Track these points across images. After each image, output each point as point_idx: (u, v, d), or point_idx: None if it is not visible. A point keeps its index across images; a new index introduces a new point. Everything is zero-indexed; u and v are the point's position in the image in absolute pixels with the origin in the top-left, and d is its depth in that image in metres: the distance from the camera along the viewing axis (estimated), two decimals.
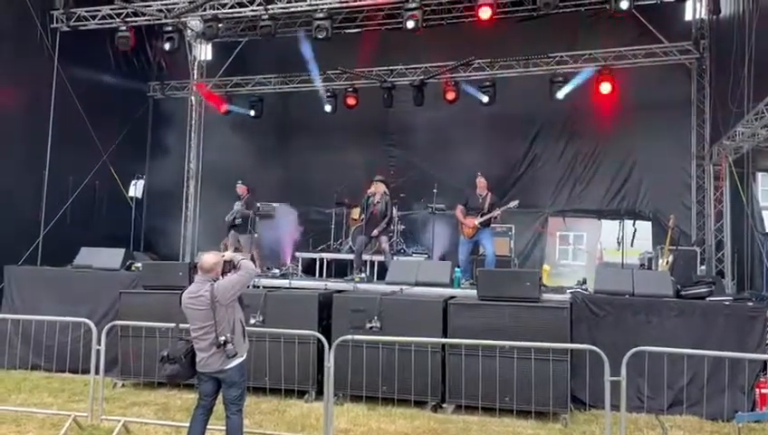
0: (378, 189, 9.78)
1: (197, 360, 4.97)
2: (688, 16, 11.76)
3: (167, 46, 10.92)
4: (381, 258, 10.17)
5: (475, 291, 7.58)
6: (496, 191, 10.06)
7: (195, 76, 14.50)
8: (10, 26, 10.36)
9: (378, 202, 9.72)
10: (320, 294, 7.77)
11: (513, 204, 9.80)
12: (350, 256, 10.62)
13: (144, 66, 13.50)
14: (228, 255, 5.16)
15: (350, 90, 12.88)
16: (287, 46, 12.50)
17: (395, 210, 10.95)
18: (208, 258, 5.05)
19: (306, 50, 12.14)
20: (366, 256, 10.33)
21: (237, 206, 10.85)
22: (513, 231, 11.17)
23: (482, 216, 9.41)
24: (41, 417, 6.54)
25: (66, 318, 7.72)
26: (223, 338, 4.82)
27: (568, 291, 7.97)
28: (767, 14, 8.11)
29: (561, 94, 11.53)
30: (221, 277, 5.01)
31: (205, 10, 10.53)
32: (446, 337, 7.01)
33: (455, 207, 9.87)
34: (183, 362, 5.00)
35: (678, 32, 11.52)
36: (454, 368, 6.96)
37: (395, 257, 10.22)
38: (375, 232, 9.64)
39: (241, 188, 11.03)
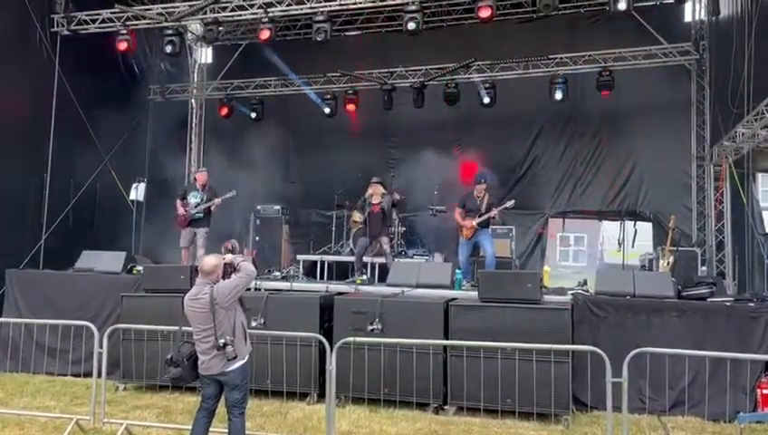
0: (375, 191, 9.79)
1: (199, 363, 4.98)
2: (688, 17, 11.83)
3: (167, 49, 10.92)
4: (382, 260, 10.19)
5: (476, 292, 7.57)
6: (497, 193, 10.07)
7: (195, 79, 14.55)
8: (10, 30, 10.35)
9: (379, 202, 9.71)
10: (321, 296, 7.78)
11: (510, 203, 9.82)
12: (352, 259, 10.63)
13: (144, 69, 13.50)
14: (229, 257, 5.16)
15: (351, 92, 12.90)
16: (288, 49, 12.54)
17: (394, 213, 10.97)
18: (209, 261, 5.06)
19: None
20: (367, 259, 10.33)
21: (195, 199, 9.92)
22: (514, 232, 11.18)
23: (480, 216, 9.44)
24: (43, 420, 6.54)
25: (68, 321, 7.74)
26: (223, 341, 4.82)
27: (569, 292, 7.96)
28: (766, 15, 8.14)
29: (558, 95, 11.57)
30: (222, 280, 5.02)
31: (205, 13, 10.55)
32: (447, 339, 7.01)
33: (454, 208, 9.89)
34: (185, 365, 5.01)
35: (678, 33, 11.56)
36: (455, 370, 6.96)
37: (396, 259, 10.23)
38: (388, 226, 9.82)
39: (201, 176, 10.17)
